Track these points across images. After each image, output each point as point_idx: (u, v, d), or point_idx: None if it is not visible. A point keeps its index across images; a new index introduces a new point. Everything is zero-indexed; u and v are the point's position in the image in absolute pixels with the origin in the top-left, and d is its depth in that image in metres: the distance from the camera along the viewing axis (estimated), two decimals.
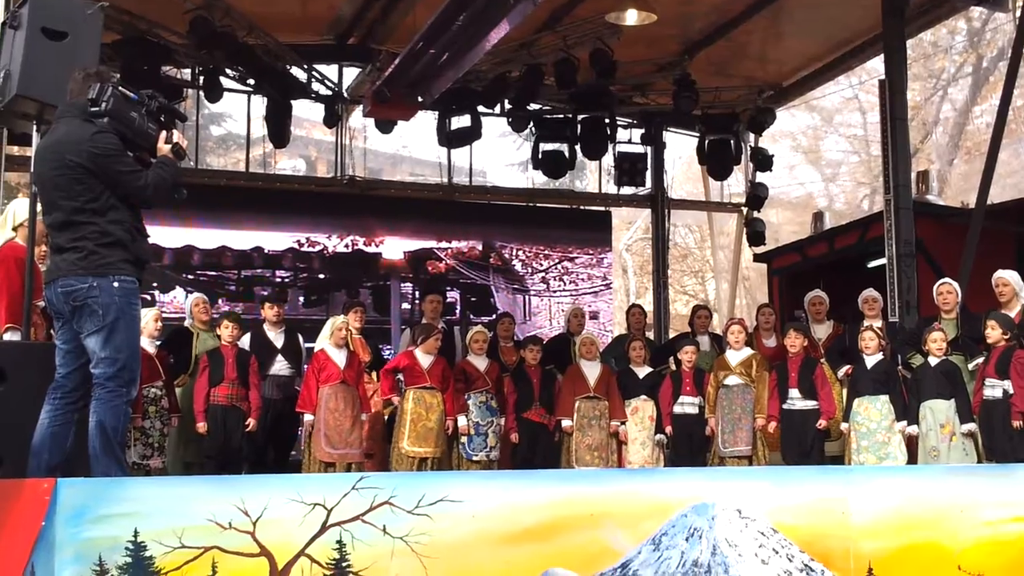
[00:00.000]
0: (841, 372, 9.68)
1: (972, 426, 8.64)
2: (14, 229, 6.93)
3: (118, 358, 5.37)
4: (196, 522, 4.65)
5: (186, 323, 9.93)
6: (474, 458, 9.53)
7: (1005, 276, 9.13)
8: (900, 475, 6.52)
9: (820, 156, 28.91)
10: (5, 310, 6.71)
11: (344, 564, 4.82)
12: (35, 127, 6.19)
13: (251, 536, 4.72)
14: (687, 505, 5.42)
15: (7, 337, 6.57)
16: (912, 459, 8.85)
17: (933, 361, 8.89)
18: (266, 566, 4.74)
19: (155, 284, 13.52)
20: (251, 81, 13.85)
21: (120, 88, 5.51)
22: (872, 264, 13.36)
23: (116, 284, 5.38)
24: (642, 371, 10.06)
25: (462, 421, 9.50)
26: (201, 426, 8.99)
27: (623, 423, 9.76)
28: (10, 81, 5.96)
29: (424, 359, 9.53)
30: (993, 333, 8.60)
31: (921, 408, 8.79)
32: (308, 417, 9.12)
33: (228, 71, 13.55)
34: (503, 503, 5.16)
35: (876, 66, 16.20)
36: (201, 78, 13.54)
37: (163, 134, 5.60)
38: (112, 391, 5.36)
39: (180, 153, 5.67)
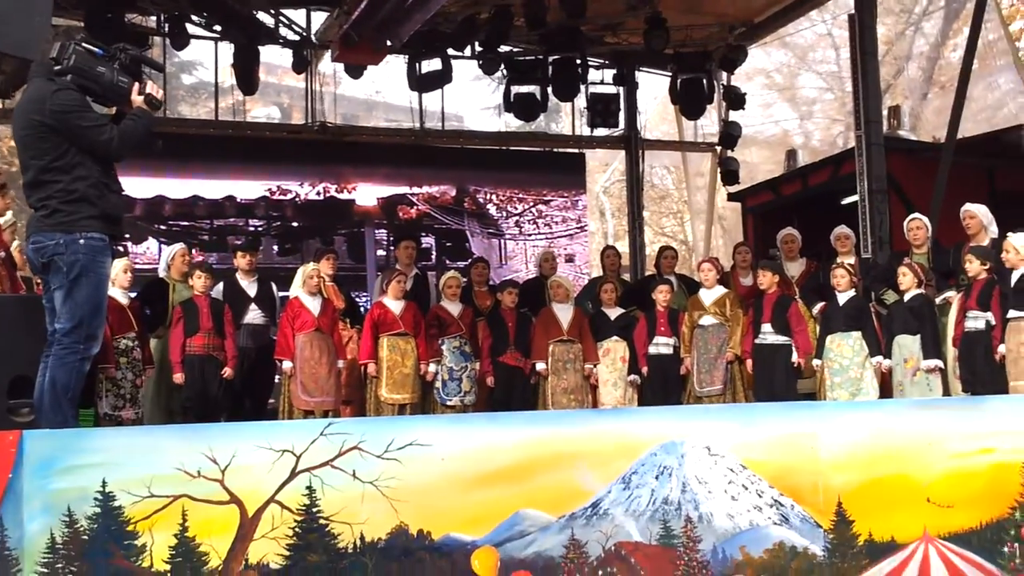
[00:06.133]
0: (816, 309, 9.69)
1: (936, 362, 8.67)
2: None
3: (76, 314, 5.37)
4: (164, 471, 4.66)
5: (160, 274, 9.87)
6: (448, 403, 9.54)
7: (972, 209, 9.15)
8: (868, 410, 6.53)
9: (795, 94, 28.84)
10: None
11: (315, 509, 4.85)
12: None
13: (220, 484, 4.74)
14: (656, 444, 5.44)
15: None
16: (886, 395, 8.91)
17: (905, 296, 8.92)
18: (236, 513, 4.76)
19: (127, 235, 13.43)
20: (217, 27, 13.69)
21: (84, 44, 5.49)
22: (845, 201, 13.38)
23: (82, 241, 5.39)
24: (613, 312, 10.06)
25: (431, 368, 9.50)
26: (178, 377, 8.97)
27: (596, 365, 9.78)
28: None
29: (394, 305, 9.51)
30: (972, 266, 8.60)
31: (892, 344, 8.85)
32: (287, 364, 9.10)
33: (194, 17, 13.39)
34: (472, 446, 5.17)
35: (848, 1, 16.13)
36: (167, 25, 13.37)
37: (136, 86, 5.58)
38: (67, 348, 5.37)
39: (155, 103, 5.65)
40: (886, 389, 9.00)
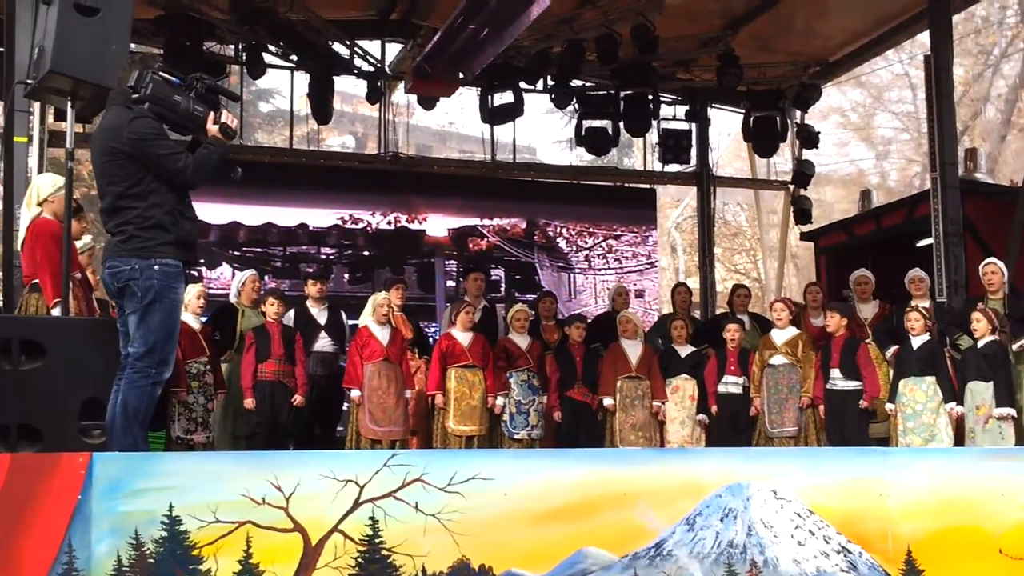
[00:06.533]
0: (889, 353, 9.54)
1: (1008, 410, 8.47)
2: (39, 204, 6.96)
3: (149, 339, 5.47)
4: (230, 497, 4.70)
5: (231, 300, 9.98)
6: (516, 436, 9.52)
7: None
8: (938, 457, 6.42)
9: (871, 133, 28.57)
10: (51, 286, 6.78)
11: (377, 540, 4.85)
12: (69, 103, 6.24)
13: (284, 512, 4.76)
14: (722, 485, 5.38)
15: (55, 312, 6.64)
16: (960, 441, 8.74)
17: (979, 342, 8.76)
18: (300, 541, 4.78)
19: (201, 260, 13.60)
20: (293, 57, 13.88)
21: (162, 73, 5.61)
22: (920, 243, 13.19)
23: (157, 267, 5.50)
24: (684, 350, 10.00)
25: (499, 402, 9.50)
26: (249, 402, 9.01)
27: (664, 403, 9.71)
28: (44, 57, 6.02)
29: (463, 337, 9.54)
30: None
31: (964, 390, 8.69)
32: (355, 393, 9.14)
33: (271, 47, 13.58)
34: (536, 481, 5.14)
35: (926, 41, 15.95)
36: (244, 54, 13.58)
37: (211, 115, 5.68)
38: (139, 371, 5.46)
39: (229, 133, 5.76)
40: (961, 436, 8.82)
